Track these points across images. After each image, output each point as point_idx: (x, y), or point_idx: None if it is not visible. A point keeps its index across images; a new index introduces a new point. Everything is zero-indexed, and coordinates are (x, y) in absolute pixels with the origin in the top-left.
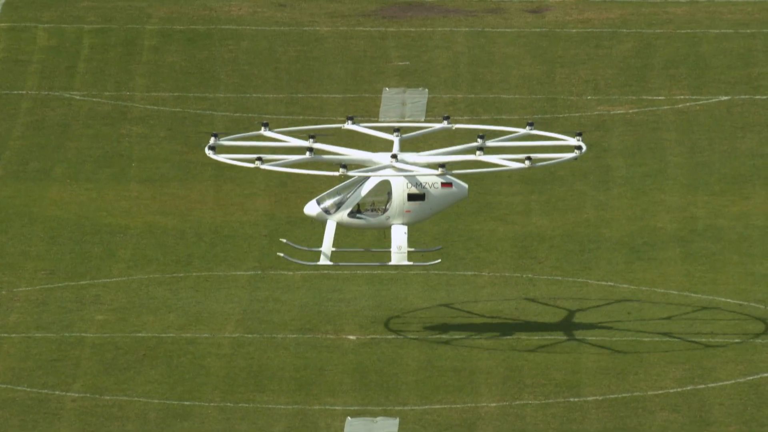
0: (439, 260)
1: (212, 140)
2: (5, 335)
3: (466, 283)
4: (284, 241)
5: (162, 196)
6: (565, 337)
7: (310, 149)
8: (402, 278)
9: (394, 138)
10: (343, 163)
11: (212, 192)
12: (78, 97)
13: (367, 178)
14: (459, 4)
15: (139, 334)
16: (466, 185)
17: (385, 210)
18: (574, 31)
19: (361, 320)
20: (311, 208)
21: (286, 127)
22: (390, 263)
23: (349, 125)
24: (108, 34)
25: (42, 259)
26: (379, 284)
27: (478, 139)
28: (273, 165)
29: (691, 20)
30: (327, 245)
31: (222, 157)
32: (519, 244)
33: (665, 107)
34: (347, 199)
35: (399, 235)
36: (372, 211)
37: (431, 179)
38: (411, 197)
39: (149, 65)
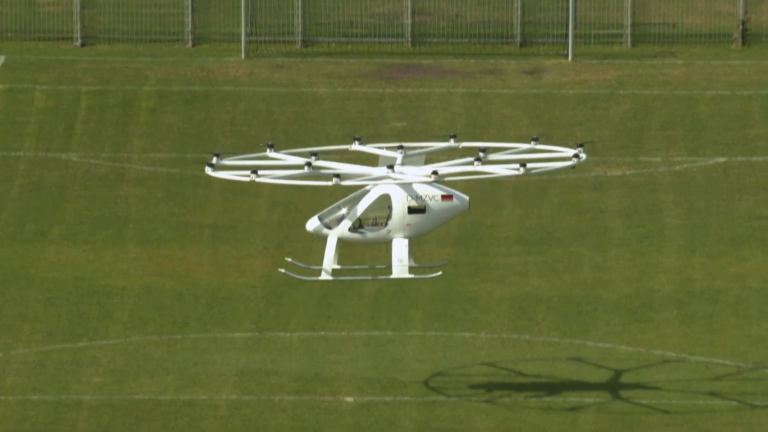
0: (441, 273)
1: (215, 159)
2: (2, 398)
3: (463, 344)
4: (290, 260)
5: (159, 258)
6: (562, 399)
7: (309, 164)
8: (399, 339)
9: (397, 155)
10: (336, 173)
11: (209, 253)
12: (75, 159)
13: (367, 192)
14: (456, 66)
15: (136, 396)
16: (467, 198)
17: (386, 224)
18: (571, 92)
19: (358, 382)
20: (312, 224)
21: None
22: (391, 276)
23: (356, 146)
24: (105, 95)
25: (39, 320)
26: (376, 345)
27: (480, 153)
28: (268, 178)
29: (687, 82)
30: (328, 260)
31: (219, 174)
32: (516, 305)
33: (662, 169)
34: (348, 213)
35: (400, 249)
36: (373, 225)
37: (431, 192)
38: (411, 210)
39: (147, 126)
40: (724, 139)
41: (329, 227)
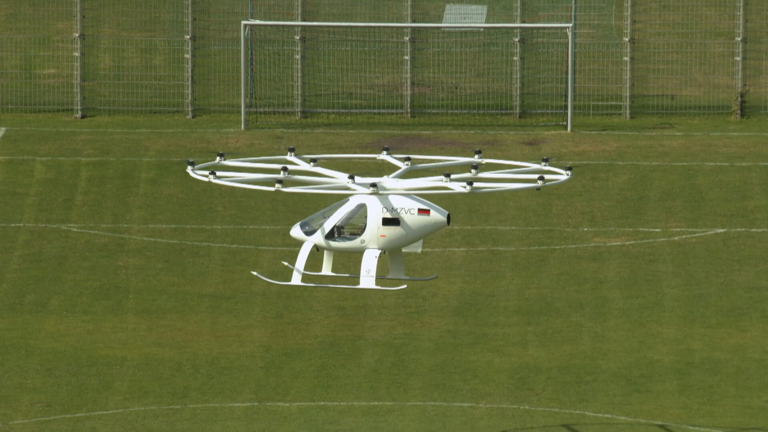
0: (405, 286)
1: (217, 159)
2: None
3: (463, 414)
4: (255, 273)
5: (159, 328)
6: None
7: (285, 168)
8: (399, 409)
9: (402, 165)
10: (279, 178)
11: (209, 323)
12: (75, 230)
13: (347, 200)
14: (456, 137)
15: None
16: (445, 213)
17: (361, 234)
18: (570, 163)
19: None
20: (295, 231)
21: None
22: (358, 287)
23: (383, 155)
24: (105, 166)
25: (38, 391)
26: (376, 415)
27: (473, 170)
28: (226, 180)
29: (686, 153)
30: (300, 265)
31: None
32: (516, 375)
33: (661, 239)
34: (326, 221)
35: (369, 259)
36: (351, 234)
37: (408, 205)
38: (386, 222)
39: (146, 197)
40: (723, 210)
41: (308, 234)
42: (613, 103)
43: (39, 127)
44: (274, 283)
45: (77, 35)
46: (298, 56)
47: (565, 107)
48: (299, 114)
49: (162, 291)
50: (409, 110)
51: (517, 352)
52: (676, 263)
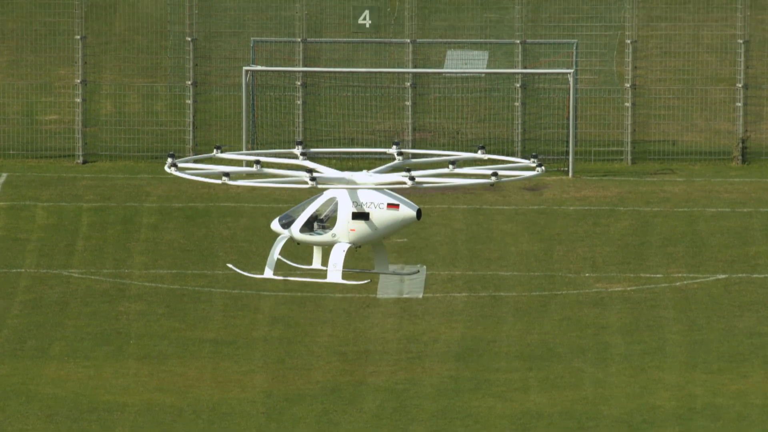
0: (369, 280)
1: (215, 151)
2: None
3: None
4: (230, 265)
5: (160, 374)
6: None
7: (258, 162)
8: None
9: (398, 158)
10: (225, 171)
11: (210, 369)
12: (76, 275)
13: (321, 194)
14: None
15: None
16: (414, 209)
17: (332, 227)
18: (571, 208)
19: None
20: (274, 224)
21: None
22: (325, 280)
23: (394, 150)
24: (107, 212)
25: None
26: None
27: (451, 165)
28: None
29: (688, 199)
30: (272, 258)
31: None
32: (517, 421)
33: (663, 285)
34: (300, 214)
35: (337, 253)
36: (322, 228)
37: (378, 199)
38: (355, 216)
39: (148, 243)
40: (724, 256)
41: (285, 227)
42: (615, 148)
43: (40, 173)
44: (248, 276)
45: (79, 81)
46: (299, 102)
47: (567, 153)
48: (300, 159)
49: (163, 336)
50: (410, 156)
51: (519, 397)
52: (678, 309)
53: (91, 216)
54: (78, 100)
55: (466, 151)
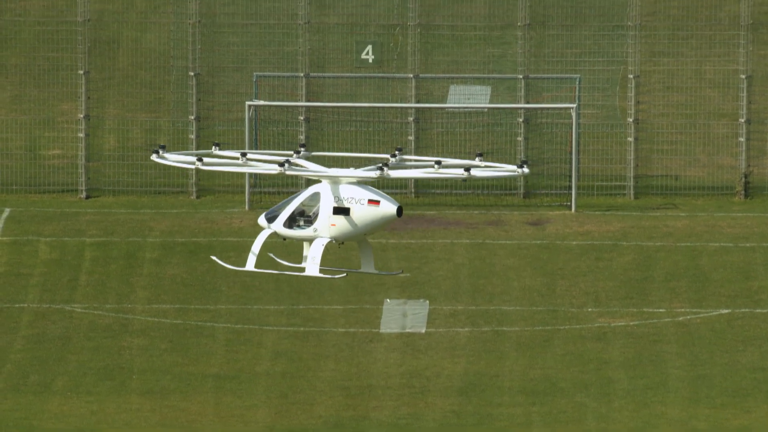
0: (345, 275)
1: (213, 148)
2: None
3: None
4: (214, 258)
5: (163, 409)
6: None
7: (244, 154)
8: None
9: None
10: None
11: (212, 404)
12: (79, 310)
13: (305, 189)
14: (460, 217)
15: None
16: (395, 205)
17: (314, 222)
18: (574, 243)
19: None
20: (261, 219)
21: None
22: (303, 274)
23: (398, 157)
24: (109, 247)
25: None
26: None
27: (435, 164)
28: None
29: (690, 234)
30: (254, 250)
31: (163, 161)
32: None
33: (666, 320)
34: (285, 209)
35: (316, 247)
36: (305, 223)
37: (359, 195)
38: (336, 211)
39: (150, 277)
40: (727, 291)
41: (270, 221)
42: (617, 183)
43: (43, 208)
44: (230, 268)
45: (82, 116)
46: (302, 136)
47: (569, 187)
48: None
49: (166, 371)
50: (413, 190)
51: None
52: (681, 344)
53: (94, 251)
54: (81, 134)
55: (467, 187)
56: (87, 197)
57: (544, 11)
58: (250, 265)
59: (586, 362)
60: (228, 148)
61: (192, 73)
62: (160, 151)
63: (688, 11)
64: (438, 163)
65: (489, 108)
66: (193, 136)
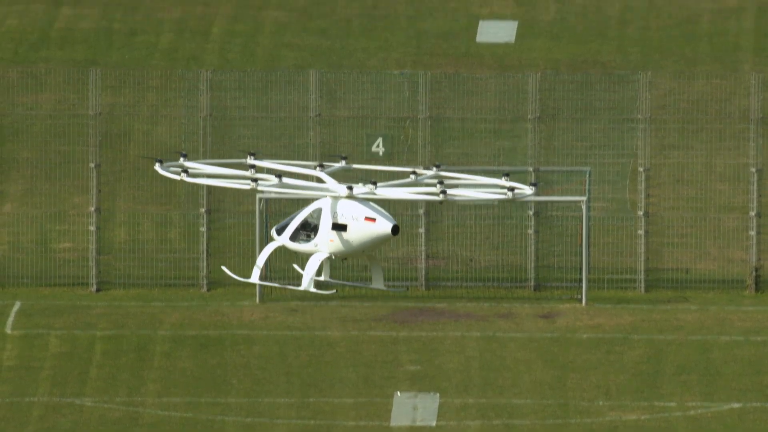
0: (335, 291)
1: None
2: None
3: None
4: (224, 268)
5: None
6: None
7: (252, 166)
8: None
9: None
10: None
11: None
12: (89, 404)
13: (311, 203)
14: (470, 309)
15: None
16: (391, 223)
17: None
18: (585, 336)
19: None
20: (273, 231)
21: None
22: (299, 288)
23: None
24: (120, 340)
25: None
26: None
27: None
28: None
29: (701, 327)
30: (261, 260)
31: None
32: None
33: (677, 413)
34: (291, 222)
35: (312, 263)
36: (307, 237)
37: (357, 212)
38: (334, 227)
39: (161, 371)
40: (739, 385)
41: (278, 234)
42: (628, 276)
43: (54, 301)
44: (238, 279)
45: (93, 209)
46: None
47: (580, 280)
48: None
49: None
50: (423, 283)
51: None
52: None
53: (105, 344)
54: (92, 228)
55: (478, 279)
56: (98, 290)
57: (554, 104)
58: (255, 277)
59: None
60: (240, 240)
61: None
62: (158, 162)
63: (698, 105)
64: (414, 173)
65: (499, 200)
66: (203, 229)
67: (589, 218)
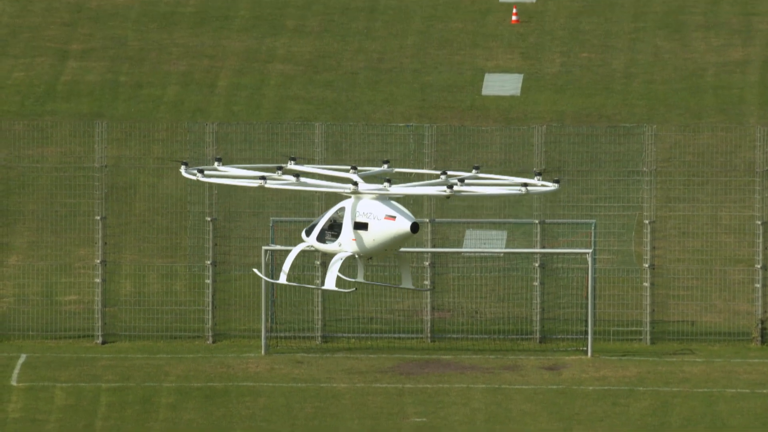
0: (355, 288)
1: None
2: None
3: None
4: (255, 270)
5: None
6: None
7: (280, 167)
8: None
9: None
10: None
11: None
12: None
13: (337, 204)
14: (476, 361)
15: None
16: (410, 221)
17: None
18: (590, 388)
19: None
20: (303, 233)
21: None
22: (322, 287)
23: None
24: (125, 392)
25: None
26: None
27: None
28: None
29: (707, 379)
30: (287, 265)
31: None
32: None
33: None
34: (318, 223)
35: (335, 262)
36: (332, 236)
37: (378, 211)
38: (356, 226)
39: (166, 423)
40: None
41: (307, 234)
42: (634, 328)
43: (59, 354)
44: (267, 280)
45: (99, 261)
46: (318, 281)
47: (586, 332)
48: (319, 339)
49: None
50: (429, 335)
51: None
52: None
53: (110, 396)
54: (98, 280)
55: (484, 331)
56: (103, 342)
57: (560, 157)
58: (283, 279)
59: None
60: (246, 293)
61: (209, 218)
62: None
63: (703, 158)
64: (444, 173)
65: (505, 252)
66: (209, 281)
67: (594, 270)
